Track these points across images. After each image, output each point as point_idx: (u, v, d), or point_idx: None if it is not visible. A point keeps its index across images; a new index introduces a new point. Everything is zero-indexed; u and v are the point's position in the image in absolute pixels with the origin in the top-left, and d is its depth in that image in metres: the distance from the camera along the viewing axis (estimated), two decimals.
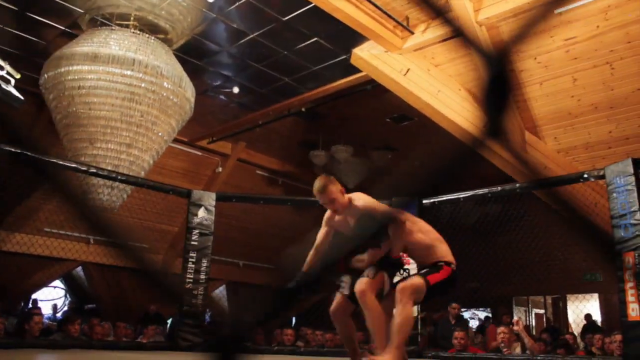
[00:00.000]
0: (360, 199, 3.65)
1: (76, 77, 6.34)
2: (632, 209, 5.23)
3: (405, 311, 3.40)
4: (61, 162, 6.04)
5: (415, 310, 6.52)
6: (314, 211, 11.36)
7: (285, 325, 10.06)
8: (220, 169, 10.98)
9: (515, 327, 6.40)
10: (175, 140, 8.84)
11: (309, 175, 11.70)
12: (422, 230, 3.79)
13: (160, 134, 6.88)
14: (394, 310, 3.47)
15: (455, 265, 3.70)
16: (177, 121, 7.06)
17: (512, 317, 7.22)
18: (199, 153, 10.77)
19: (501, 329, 6.38)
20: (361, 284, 3.56)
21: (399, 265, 3.72)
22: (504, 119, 0.73)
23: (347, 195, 3.66)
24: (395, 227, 3.52)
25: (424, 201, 6.99)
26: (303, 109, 9.29)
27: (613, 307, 8.74)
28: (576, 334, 9.42)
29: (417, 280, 3.48)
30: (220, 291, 13.64)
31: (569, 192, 6.25)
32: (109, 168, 6.46)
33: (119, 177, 6.38)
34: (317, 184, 3.61)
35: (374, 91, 8.17)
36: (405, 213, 3.80)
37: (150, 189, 6.80)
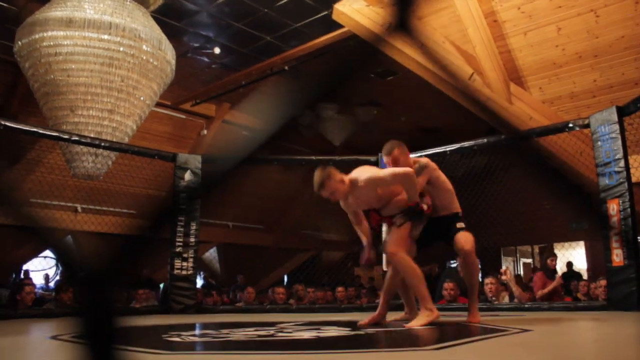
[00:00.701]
0: (361, 178, 3.66)
1: (52, 44, 6.19)
2: (617, 157, 5.27)
3: (476, 267, 3.79)
4: (42, 131, 5.94)
5: None
6: (301, 170, 11.39)
7: (277, 284, 10.17)
8: (205, 132, 10.89)
9: (504, 277, 6.50)
10: (158, 105, 8.72)
11: (294, 134, 11.66)
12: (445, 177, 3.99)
13: (142, 98, 6.78)
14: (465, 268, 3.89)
15: None
16: (159, 85, 6.95)
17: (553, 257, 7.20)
18: (183, 116, 10.64)
19: (489, 279, 6.47)
20: (390, 245, 3.65)
21: (421, 212, 3.76)
22: (411, 12, 0.70)
23: (347, 178, 3.69)
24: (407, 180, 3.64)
25: (411, 155, 6.99)
26: (286, 68, 9.17)
27: (598, 254, 8.89)
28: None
29: (471, 236, 3.79)
30: (211, 253, 13.72)
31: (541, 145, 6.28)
32: (92, 135, 6.38)
33: (103, 144, 6.30)
34: (315, 180, 3.65)
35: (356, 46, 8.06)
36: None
37: (135, 155, 6.72)
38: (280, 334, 3.19)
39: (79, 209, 9.58)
